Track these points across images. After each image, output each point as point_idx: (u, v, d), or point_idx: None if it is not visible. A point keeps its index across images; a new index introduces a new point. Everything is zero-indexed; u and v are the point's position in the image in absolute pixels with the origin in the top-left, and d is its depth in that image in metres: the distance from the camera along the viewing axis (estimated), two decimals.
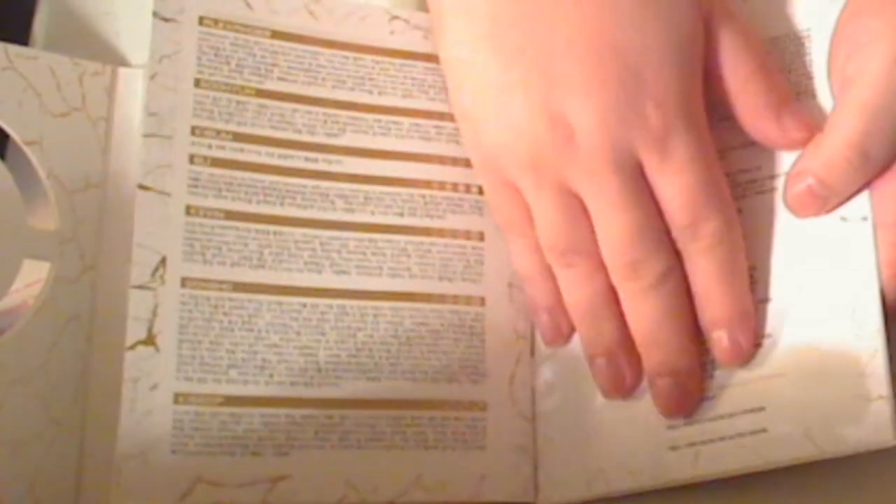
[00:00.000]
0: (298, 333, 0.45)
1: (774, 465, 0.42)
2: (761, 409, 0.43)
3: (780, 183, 0.45)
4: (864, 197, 0.43)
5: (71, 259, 0.46)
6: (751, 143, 0.46)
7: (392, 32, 0.50)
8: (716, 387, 0.44)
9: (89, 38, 0.51)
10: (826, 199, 0.43)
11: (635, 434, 0.45)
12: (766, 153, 0.46)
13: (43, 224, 0.46)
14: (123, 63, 0.50)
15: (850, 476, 0.45)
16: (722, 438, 0.43)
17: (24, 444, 0.43)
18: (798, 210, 0.44)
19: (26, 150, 0.46)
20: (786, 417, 0.42)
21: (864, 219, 0.43)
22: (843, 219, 0.43)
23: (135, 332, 0.43)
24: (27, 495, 0.43)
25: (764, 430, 0.42)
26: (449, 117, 0.50)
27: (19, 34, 0.51)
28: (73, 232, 0.46)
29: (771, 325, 0.44)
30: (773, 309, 0.44)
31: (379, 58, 0.50)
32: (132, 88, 0.48)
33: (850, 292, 0.42)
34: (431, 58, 0.50)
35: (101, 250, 0.47)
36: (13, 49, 0.46)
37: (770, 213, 0.45)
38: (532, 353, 0.48)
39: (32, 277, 0.45)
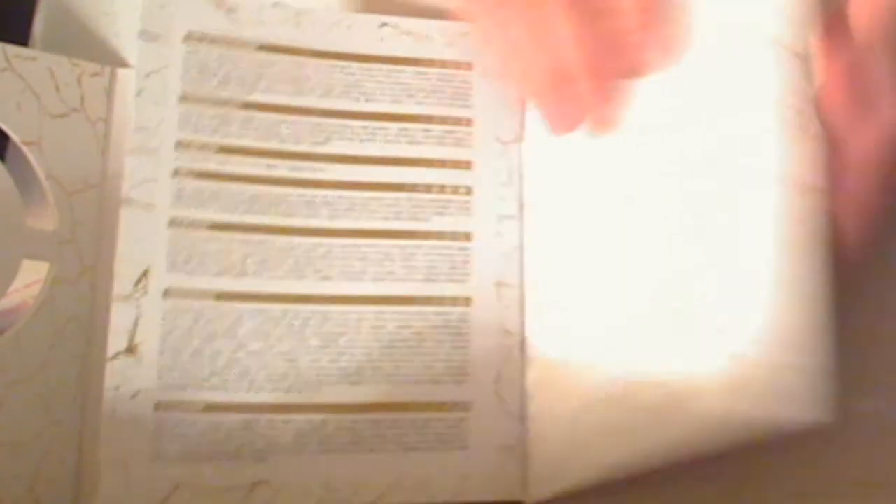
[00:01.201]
0: (280, 340, 0.46)
1: (706, 448, 0.40)
2: None
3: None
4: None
5: (70, 260, 0.47)
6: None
7: (381, 39, 0.51)
8: None
9: (88, 39, 0.52)
10: None
11: (623, 424, 0.45)
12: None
13: (42, 225, 0.47)
14: (122, 64, 0.51)
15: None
16: None
17: (24, 444, 0.44)
18: None
19: (25, 150, 0.47)
20: (717, 399, 0.40)
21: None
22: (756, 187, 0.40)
23: (116, 343, 0.44)
24: (27, 495, 0.44)
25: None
26: (438, 120, 0.50)
27: (19, 34, 0.52)
28: (71, 233, 0.47)
29: (693, 305, 0.41)
30: (695, 289, 0.41)
31: (367, 65, 0.50)
32: (131, 89, 0.49)
33: (770, 261, 0.39)
34: (421, 62, 0.51)
35: (100, 251, 0.48)
36: (12, 50, 0.47)
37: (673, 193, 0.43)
38: (522, 351, 0.48)
39: (31, 278, 0.46)
